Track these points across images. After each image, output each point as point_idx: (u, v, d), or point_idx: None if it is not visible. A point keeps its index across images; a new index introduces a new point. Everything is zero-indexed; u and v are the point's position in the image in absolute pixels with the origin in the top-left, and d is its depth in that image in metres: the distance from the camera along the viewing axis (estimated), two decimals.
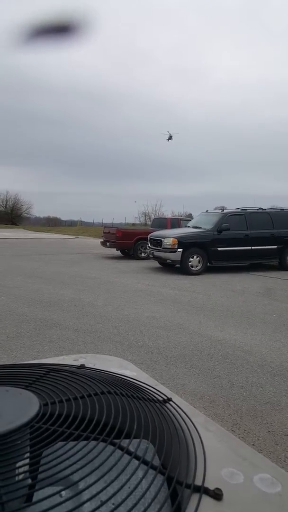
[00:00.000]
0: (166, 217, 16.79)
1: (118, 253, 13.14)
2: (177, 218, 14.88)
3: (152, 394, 0.71)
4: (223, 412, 2.47)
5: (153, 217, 32.61)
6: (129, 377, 0.78)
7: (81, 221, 47.46)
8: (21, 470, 0.46)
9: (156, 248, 9.53)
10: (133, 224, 38.30)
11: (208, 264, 9.16)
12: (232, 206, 10.79)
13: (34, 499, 0.43)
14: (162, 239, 9.20)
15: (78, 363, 0.86)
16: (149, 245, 10.11)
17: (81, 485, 0.44)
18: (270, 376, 3.05)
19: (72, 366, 0.81)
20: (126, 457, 0.49)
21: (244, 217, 9.62)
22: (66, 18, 1.25)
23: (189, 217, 20.67)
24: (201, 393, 2.73)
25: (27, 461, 0.47)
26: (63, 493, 0.44)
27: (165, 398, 0.71)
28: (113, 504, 0.43)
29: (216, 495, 0.46)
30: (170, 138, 45.94)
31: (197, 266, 9.01)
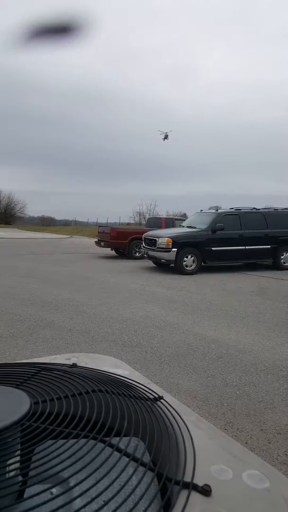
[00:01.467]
0: (161, 216, 16.79)
1: (113, 252, 13.13)
2: (172, 218, 14.90)
3: (143, 393, 0.72)
4: (217, 410, 2.49)
5: (147, 216, 32.65)
6: (121, 376, 0.78)
7: (75, 220, 47.35)
8: (12, 467, 0.46)
9: (150, 247, 9.54)
10: (128, 224, 38.32)
11: (202, 263, 9.19)
12: (226, 206, 10.84)
13: (26, 495, 0.44)
14: (157, 239, 9.21)
15: (70, 362, 0.86)
16: (144, 244, 10.12)
17: (72, 482, 0.45)
18: (263, 375, 3.07)
19: (64, 365, 0.82)
20: (116, 454, 0.49)
21: (238, 217, 9.66)
22: (63, 19, 1.25)
23: (184, 216, 20.69)
24: (194, 392, 2.75)
25: (18, 458, 0.48)
26: (53, 490, 0.45)
27: (157, 396, 0.71)
28: (103, 501, 0.43)
29: (205, 491, 0.47)
30: (166, 137, 45.66)
31: (191, 266, 9.04)
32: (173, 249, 8.86)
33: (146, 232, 10.67)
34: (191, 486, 0.48)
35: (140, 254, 11.33)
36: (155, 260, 9.69)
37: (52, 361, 0.87)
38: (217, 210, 10.62)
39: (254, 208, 10.15)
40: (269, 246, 9.77)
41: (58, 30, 1.27)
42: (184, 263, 8.97)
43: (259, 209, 10.18)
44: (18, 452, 0.48)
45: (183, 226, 10.54)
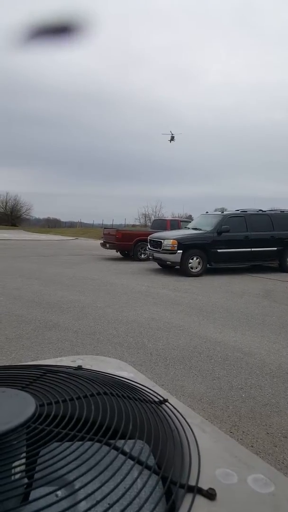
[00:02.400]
0: (166, 218, 16.79)
1: (118, 254, 13.15)
2: (177, 220, 14.88)
3: (148, 395, 0.72)
4: (222, 413, 2.48)
5: (153, 218, 32.65)
6: (126, 379, 0.78)
7: (81, 222, 47.49)
8: (17, 469, 0.47)
9: (156, 249, 9.54)
10: (133, 226, 38.35)
11: (208, 265, 9.17)
12: (232, 208, 10.81)
13: (31, 498, 0.44)
14: (162, 241, 9.21)
15: (75, 365, 0.86)
16: (149, 246, 10.12)
17: (77, 484, 0.45)
18: (269, 378, 3.05)
19: (69, 367, 0.82)
20: (121, 457, 0.50)
21: (244, 218, 9.63)
22: (64, 19, 1.25)
23: (189, 218, 20.65)
24: (200, 394, 2.74)
25: (23, 460, 0.48)
26: (58, 492, 0.45)
27: (161, 399, 0.71)
28: (108, 503, 0.43)
29: (210, 495, 0.47)
30: (172, 139, 44.74)
31: (196, 268, 9.02)
32: (179, 251, 8.85)
33: (151, 234, 10.67)
34: (196, 490, 0.48)
35: (145, 256, 11.33)
36: (161, 262, 9.69)
37: (58, 363, 0.87)
38: (222, 212, 10.59)
39: (260, 210, 10.11)
40: (275, 248, 9.73)
41: (58, 31, 1.28)
42: (190, 265, 8.95)
43: (265, 211, 10.14)
44: (24, 454, 0.49)
45: (188, 228, 10.53)
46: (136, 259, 12.02)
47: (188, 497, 0.47)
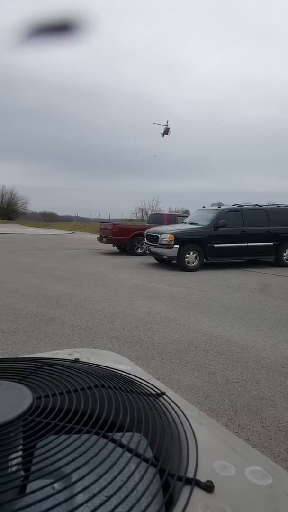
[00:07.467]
0: (163, 213, 16.74)
1: (115, 248, 13.13)
2: (174, 214, 14.86)
3: (145, 388, 0.71)
4: (218, 407, 2.49)
5: (150, 213, 32.54)
6: (123, 372, 0.78)
7: (77, 216, 47.35)
8: (14, 462, 0.46)
9: (152, 244, 9.53)
10: (130, 220, 38.22)
11: (204, 260, 9.18)
12: (228, 203, 10.80)
13: (28, 490, 0.44)
14: (159, 235, 9.20)
15: (72, 358, 0.86)
16: (146, 241, 10.12)
17: (74, 477, 0.45)
18: (265, 372, 3.07)
19: (66, 360, 0.82)
20: (119, 450, 0.49)
21: (241, 213, 9.63)
22: (58, 17, 1.25)
23: (186, 213, 20.60)
24: (196, 388, 2.75)
25: (20, 453, 0.47)
26: (55, 485, 0.45)
27: (159, 392, 0.71)
28: (105, 496, 0.43)
29: (208, 487, 0.47)
30: (166, 132, 40.66)
31: (193, 262, 9.03)
32: (175, 246, 8.85)
33: (148, 228, 10.67)
34: (194, 482, 0.48)
35: (142, 250, 11.33)
36: (157, 256, 9.69)
37: (54, 356, 0.87)
38: (219, 207, 10.58)
39: (256, 205, 10.12)
40: (271, 243, 9.75)
41: (54, 28, 1.28)
42: (186, 259, 8.96)
43: (261, 206, 10.15)
44: (20, 446, 0.48)
45: (185, 223, 10.52)
46: (133, 253, 12.01)
47: (186, 489, 0.46)
